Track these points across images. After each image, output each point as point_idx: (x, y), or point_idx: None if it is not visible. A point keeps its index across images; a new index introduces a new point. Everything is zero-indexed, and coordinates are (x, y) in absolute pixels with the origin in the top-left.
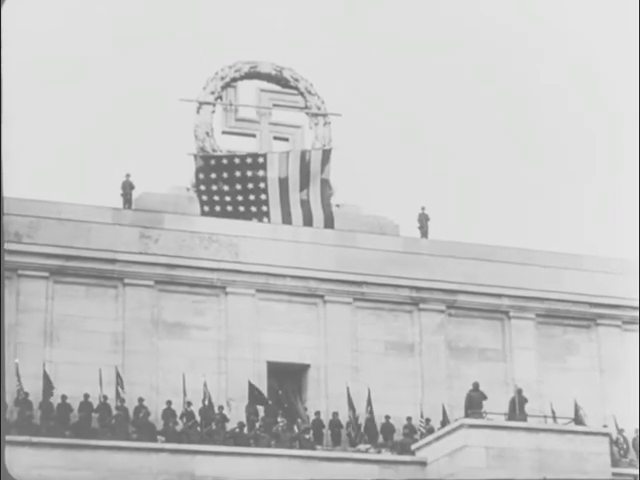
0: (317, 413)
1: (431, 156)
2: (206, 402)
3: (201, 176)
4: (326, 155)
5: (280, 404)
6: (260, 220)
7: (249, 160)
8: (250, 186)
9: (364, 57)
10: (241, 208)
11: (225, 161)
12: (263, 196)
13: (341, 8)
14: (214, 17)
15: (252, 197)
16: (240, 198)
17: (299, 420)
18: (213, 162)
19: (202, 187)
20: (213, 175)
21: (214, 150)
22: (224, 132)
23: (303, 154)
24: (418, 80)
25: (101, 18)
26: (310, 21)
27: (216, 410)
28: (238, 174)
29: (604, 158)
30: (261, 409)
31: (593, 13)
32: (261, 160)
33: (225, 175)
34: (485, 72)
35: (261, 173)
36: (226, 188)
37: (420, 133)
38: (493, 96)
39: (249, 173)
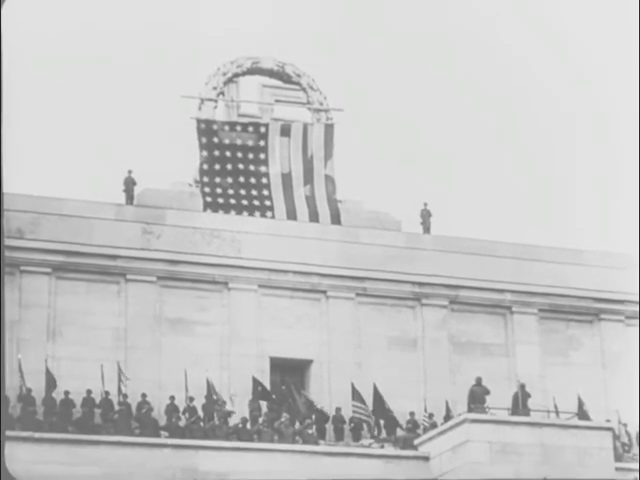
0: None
1: (433, 152)
2: (214, 397)
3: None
4: (328, 131)
5: (284, 399)
6: (264, 216)
7: (251, 129)
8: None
9: (367, 53)
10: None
11: (227, 128)
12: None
13: (346, 4)
14: (216, 12)
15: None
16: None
17: (316, 406)
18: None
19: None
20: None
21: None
22: None
23: (305, 128)
24: (421, 76)
25: (102, 15)
26: (313, 17)
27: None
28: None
29: (605, 154)
30: (264, 404)
31: (592, 14)
32: (263, 130)
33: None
34: (486, 69)
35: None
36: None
37: (422, 129)
38: (496, 91)
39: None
